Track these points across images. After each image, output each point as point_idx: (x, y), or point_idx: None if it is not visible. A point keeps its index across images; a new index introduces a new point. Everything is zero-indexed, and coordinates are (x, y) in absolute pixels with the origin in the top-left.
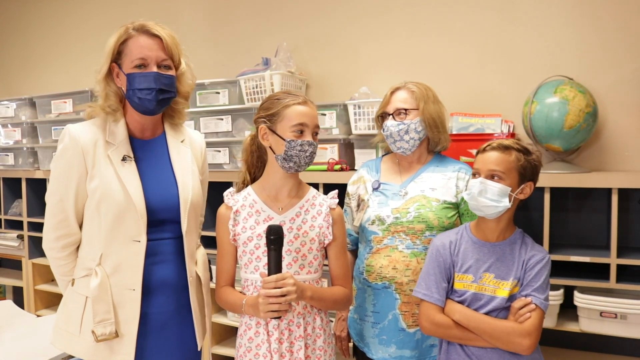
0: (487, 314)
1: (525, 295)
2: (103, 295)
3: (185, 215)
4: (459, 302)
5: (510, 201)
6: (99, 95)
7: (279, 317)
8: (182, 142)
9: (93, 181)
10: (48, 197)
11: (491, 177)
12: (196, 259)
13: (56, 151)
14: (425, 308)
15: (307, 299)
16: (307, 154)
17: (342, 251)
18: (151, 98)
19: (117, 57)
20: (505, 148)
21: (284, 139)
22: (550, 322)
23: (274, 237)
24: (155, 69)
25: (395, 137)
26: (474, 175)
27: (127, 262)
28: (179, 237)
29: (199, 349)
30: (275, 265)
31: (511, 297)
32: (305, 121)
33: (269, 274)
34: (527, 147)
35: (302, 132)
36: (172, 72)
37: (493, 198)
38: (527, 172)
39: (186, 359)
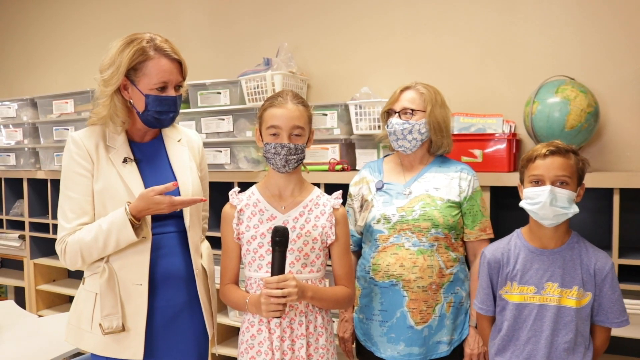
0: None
1: (603, 322)
2: (110, 290)
3: (187, 210)
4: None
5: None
6: (103, 105)
7: (280, 316)
8: (178, 141)
9: (98, 183)
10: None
11: (558, 183)
12: (201, 252)
13: (63, 161)
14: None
15: (307, 298)
16: (281, 156)
17: (344, 251)
18: (169, 118)
19: (129, 72)
20: (565, 151)
21: (262, 142)
22: None
23: (280, 239)
24: (173, 93)
25: (399, 135)
26: (535, 183)
27: (133, 259)
28: (183, 231)
29: (210, 337)
30: (278, 266)
31: (582, 309)
32: (277, 123)
33: (272, 274)
34: (575, 148)
35: (275, 134)
36: (181, 92)
37: (564, 205)
38: (583, 174)
39: (198, 347)
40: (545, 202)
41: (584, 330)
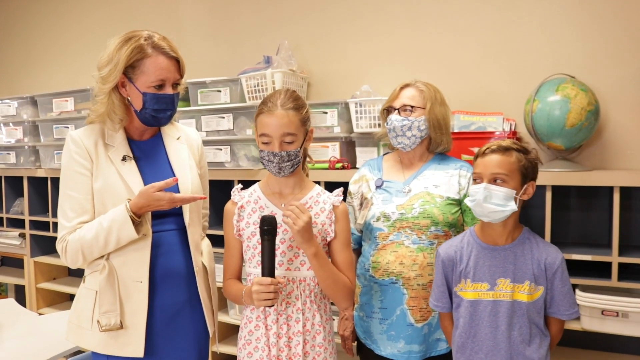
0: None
1: (555, 314)
2: (109, 287)
3: (187, 208)
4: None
5: (516, 204)
6: (101, 102)
7: (271, 305)
8: (177, 139)
9: (97, 182)
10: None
11: (494, 181)
12: (201, 249)
13: (63, 160)
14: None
15: (311, 249)
16: (274, 163)
17: (344, 246)
18: (166, 117)
19: (127, 69)
20: (505, 149)
21: (258, 149)
22: None
23: (268, 228)
24: (171, 90)
25: (398, 131)
26: (474, 180)
27: (133, 256)
28: (183, 229)
29: (211, 335)
30: (268, 255)
31: (534, 303)
32: (267, 132)
33: (262, 263)
34: (525, 146)
35: (266, 142)
36: (179, 89)
37: (499, 203)
38: (529, 171)
39: (199, 345)
40: (479, 199)
41: (538, 322)
